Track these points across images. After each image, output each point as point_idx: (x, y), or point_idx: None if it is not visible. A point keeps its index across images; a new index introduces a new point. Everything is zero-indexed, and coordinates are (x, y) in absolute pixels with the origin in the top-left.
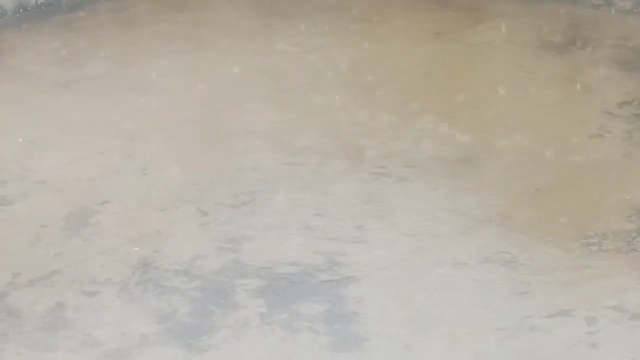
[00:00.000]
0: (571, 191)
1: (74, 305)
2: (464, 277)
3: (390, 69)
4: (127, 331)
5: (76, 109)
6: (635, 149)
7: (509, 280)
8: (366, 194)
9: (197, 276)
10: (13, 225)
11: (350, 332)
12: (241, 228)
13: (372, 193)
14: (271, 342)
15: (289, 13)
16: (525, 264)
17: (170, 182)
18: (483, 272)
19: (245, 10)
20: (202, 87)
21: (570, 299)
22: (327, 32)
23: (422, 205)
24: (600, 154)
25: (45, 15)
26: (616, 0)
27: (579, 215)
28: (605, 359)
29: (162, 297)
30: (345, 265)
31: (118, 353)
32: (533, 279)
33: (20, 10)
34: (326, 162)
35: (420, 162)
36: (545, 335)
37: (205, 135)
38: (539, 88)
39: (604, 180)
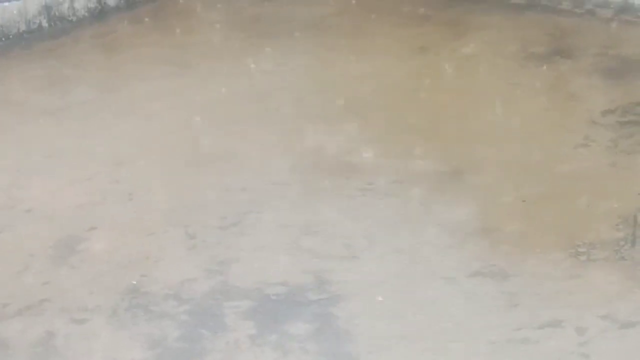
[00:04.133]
0: (559, 201)
1: (64, 334)
2: (454, 292)
3: (376, 85)
4: (117, 358)
5: (62, 136)
6: (621, 157)
7: (499, 293)
8: (354, 211)
9: (186, 300)
10: (1, 255)
11: (341, 351)
12: (229, 250)
13: (360, 210)
14: None
15: (273, 33)
16: (514, 276)
17: (157, 206)
18: (473, 286)
19: (228, 31)
20: (187, 110)
21: (561, 309)
22: (311, 51)
23: (411, 221)
24: (586, 163)
25: (29, 42)
26: (598, 9)
27: (567, 226)
28: None
29: (152, 322)
30: (335, 284)
31: None
32: (523, 291)
33: (3, 39)
34: (313, 181)
35: (408, 178)
36: (537, 346)
37: (191, 158)
38: (524, 99)
39: (591, 189)
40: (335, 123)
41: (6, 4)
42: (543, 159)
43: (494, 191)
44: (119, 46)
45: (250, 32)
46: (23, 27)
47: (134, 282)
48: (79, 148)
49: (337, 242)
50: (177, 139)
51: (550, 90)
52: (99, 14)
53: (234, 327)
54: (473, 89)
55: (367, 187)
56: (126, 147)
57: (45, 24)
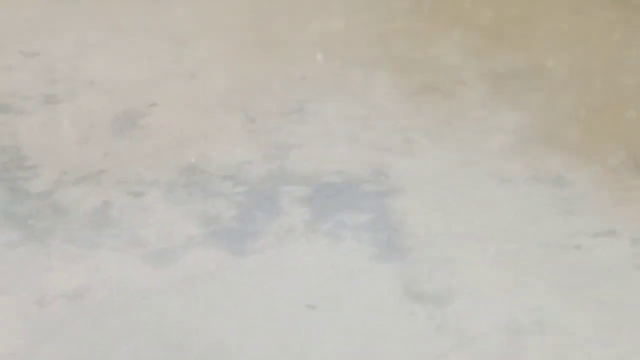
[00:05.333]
0: (621, 112)
1: (120, 205)
2: (510, 194)
3: None
4: (172, 232)
5: (126, 12)
6: None
7: (556, 199)
8: (416, 107)
9: (242, 181)
10: (61, 123)
11: (394, 244)
12: (289, 136)
13: (422, 107)
14: (315, 249)
15: None
16: (572, 183)
17: (218, 87)
18: (529, 190)
19: None
20: None
21: (616, 219)
22: None
23: (471, 121)
24: None
25: None
26: None
27: (627, 138)
28: None
29: (208, 200)
30: (392, 177)
31: (163, 253)
32: (579, 199)
33: None
34: (375, 75)
35: (470, 79)
36: (589, 253)
37: (255, 43)
38: (592, 9)
39: None
40: (401, 17)
41: None
42: (608, 69)
43: (557, 98)
44: None
45: None
46: None
47: (192, 160)
48: (143, 25)
49: (396, 136)
50: (241, 22)
51: (621, 2)
52: None
53: (289, 212)
54: None
55: (430, 85)
56: (189, 27)
57: None
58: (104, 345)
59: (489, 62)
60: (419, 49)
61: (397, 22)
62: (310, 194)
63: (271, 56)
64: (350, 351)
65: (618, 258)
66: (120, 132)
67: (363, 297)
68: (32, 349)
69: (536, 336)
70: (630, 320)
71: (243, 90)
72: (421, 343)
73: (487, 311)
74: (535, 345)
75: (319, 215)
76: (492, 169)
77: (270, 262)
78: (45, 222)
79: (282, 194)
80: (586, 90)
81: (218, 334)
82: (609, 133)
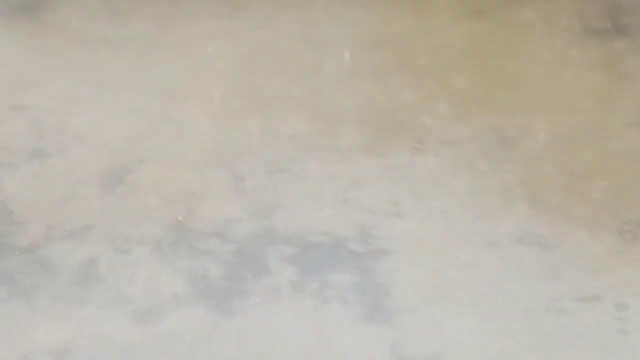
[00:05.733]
0: (606, 177)
1: (106, 262)
2: (496, 256)
3: (428, 44)
4: (158, 290)
5: (115, 66)
6: None
7: (541, 263)
8: (401, 168)
9: (230, 240)
10: (49, 178)
11: (380, 305)
12: (275, 195)
13: (407, 168)
14: (302, 310)
15: None
16: (557, 246)
17: (206, 144)
18: (515, 253)
19: None
20: (240, 52)
21: (601, 284)
22: (367, 4)
23: (457, 183)
24: (635, 141)
25: None
26: None
27: (613, 202)
28: (633, 346)
29: (195, 258)
30: (378, 238)
31: (149, 310)
32: (564, 263)
33: None
34: (362, 135)
35: (457, 140)
36: (574, 318)
37: (242, 101)
38: (576, 72)
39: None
40: (387, 79)
41: None
42: (592, 134)
43: (542, 160)
44: None
45: None
46: None
47: (180, 218)
48: (131, 80)
49: (382, 197)
50: (229, 79)
51: (604, 66)
52: None
53: (275, 271)
54: (527, 58)
55: (415, 146)
56: (178, 84)
57: None
58: None
59: (474, 125)
60: (405, 110)
61: (383, 82)
62: (297, 254)
63: (259, 114)
64: None
65: (602, 323)
66: (107, 188)
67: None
68: None
69: None
70: None
71: (231, 148)
72: None
73: None
74: None
75: (305, 276)
76: (477, 231)
77: (256, 323)
78: (31, 278)
79: (269, 252)
80: (570, 154)
81: None
82: (593, 197)
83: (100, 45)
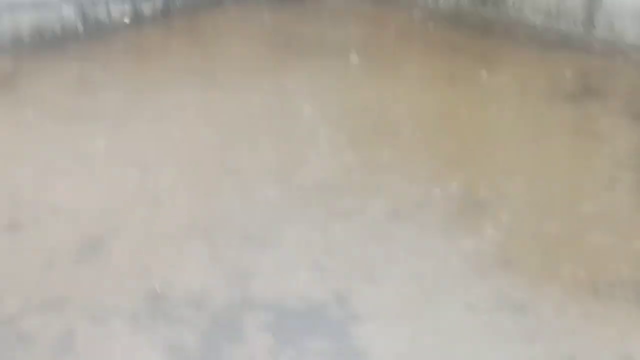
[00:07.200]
0: (581, 239)
1: (83, 333)
2: (473, 321)
3: (402, 111)
4: None
5: (90, 138)
6: None
7: (517, 326)
8: (376, 233)
9: (206, 308)
10: (25, 250)
11: None
12: (251, 262)
13: (382, 233)
14: None
15: (302, 52)
16: (533, 309)
17: (182, 213)
18: (492, 316)
19: (261, 48)
20: (214, 121)
21: (577, 345)
22: (339, 73)
23: (433, 248)
24: (610, 203)
25: (62, 44)
26: (630, 51)
27: (588, 264)
28: None
29: (172, 328)
30: (354, 303)
31: None
32: (540, 325)
33: (38, 39)
34: (337, 201)
35: (431, 204)
36: None
37: (217, 169)
38: (550, 136)
39: (614, 230)
40: (363, 145)
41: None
42: (567, 197)
43: (517, 225)
44: (150, 54)
45: (279, 49)
46: (58, 29)
47: (156, 287)
48: (105, 151)
49: (357, 263)
50: (203, 148)
51: (577, 129)
52: (134, 22)
53: (252, 339)
54: (499, 123)
55: (390, 211)
56: (152, 154)
57: (80, 27)
58: None
59: (450, 189)
60: (381, 175)
61: (365, 151)
62: (273, 321)
63: (233, 182)
64: None
65: None
66: (83, 259)
67: None
68: None
69: None
70: None
71: (206, 216)
72: None
73: None
74: None
75: (282, 343)
76: (454, 295)
77: None
78: (8, 351)
79: (245, 320)
80: (545, 217)
81: None
82: (569, 259)
83: (75, 117)
